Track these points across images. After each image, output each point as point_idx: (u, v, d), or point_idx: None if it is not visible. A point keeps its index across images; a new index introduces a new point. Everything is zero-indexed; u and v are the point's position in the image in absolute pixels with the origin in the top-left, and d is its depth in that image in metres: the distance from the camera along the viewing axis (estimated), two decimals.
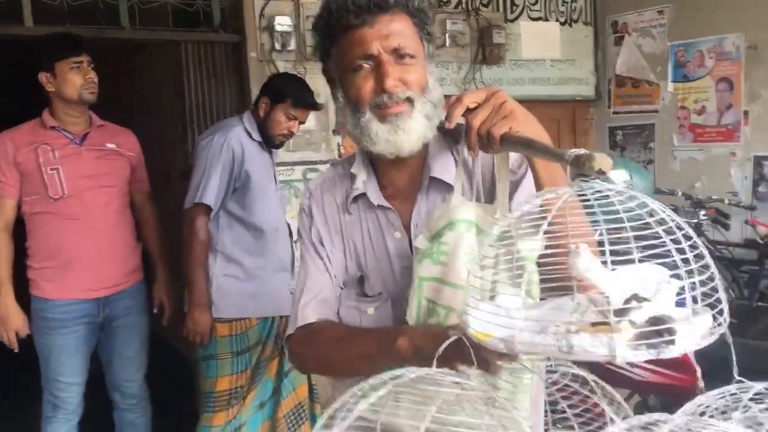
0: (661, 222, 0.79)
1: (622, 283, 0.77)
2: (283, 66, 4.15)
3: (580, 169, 0.85)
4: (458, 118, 1.12)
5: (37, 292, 2.80)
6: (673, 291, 0.77)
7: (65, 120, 2.81)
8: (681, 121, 5.19)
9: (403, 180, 1.30)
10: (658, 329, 0.72)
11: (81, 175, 2.78)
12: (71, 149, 2.79)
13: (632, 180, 2.87)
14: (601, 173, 0.83)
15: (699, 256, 0.77)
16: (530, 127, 1.08)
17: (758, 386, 0.82)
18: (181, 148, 4.28)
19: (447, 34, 4.84)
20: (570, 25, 5.46)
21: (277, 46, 4.14)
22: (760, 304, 3.75)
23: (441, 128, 1.21)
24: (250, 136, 2.91)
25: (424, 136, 1.21)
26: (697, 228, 4.52)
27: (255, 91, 4.19)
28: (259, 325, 3.01)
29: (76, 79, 2.75)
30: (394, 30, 1.18)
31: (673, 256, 0.77)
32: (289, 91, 2.93)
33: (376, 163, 1.31)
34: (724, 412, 0.86)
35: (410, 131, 1.19)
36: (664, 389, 2.35)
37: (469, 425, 0.80)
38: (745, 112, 4.81)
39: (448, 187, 1.26)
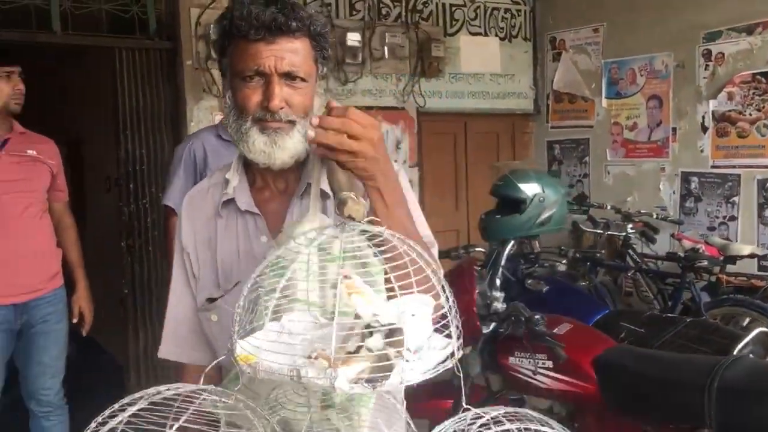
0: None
1: (378, 311, 0.82)
2: (218, 74, 4.16)
3: (341, 212, 0.94)
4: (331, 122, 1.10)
5: None
6: (421, 322, 0.82)
7: None
8: (614, 136, 5.34)
9: (281, 184, 1.34)
10: (381, 365, 0.77)
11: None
12: None
13: (544, 193, 2.95)
14: (351, 218, 0.91)
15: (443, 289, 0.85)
16: (383, 176, 1.10)
17: (492, 413, 0.83)
18: (115, 155, 4.25)
19: (386, 47, 4.90)
20: (509, 41, 5.58)
21: (213, 55, 4.14)
22: (674, 315, 3.85)
23: None
24: (221, 137, 2.96)
25: (298, 154, 1.25)
26: (625, 241, 4.66)
27: (189, 98, 4.22)
28: None
29: (5, 88, 2.79)
30: (291, 52, 1.21)
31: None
32: None
33: (254, 166, 1.33)
34: None
35: (286, 148, 1.23)
36: (565, 396, 2.42)
37: None
38: (673, 129, 4.97)
39: (323, 194, 1.29)
